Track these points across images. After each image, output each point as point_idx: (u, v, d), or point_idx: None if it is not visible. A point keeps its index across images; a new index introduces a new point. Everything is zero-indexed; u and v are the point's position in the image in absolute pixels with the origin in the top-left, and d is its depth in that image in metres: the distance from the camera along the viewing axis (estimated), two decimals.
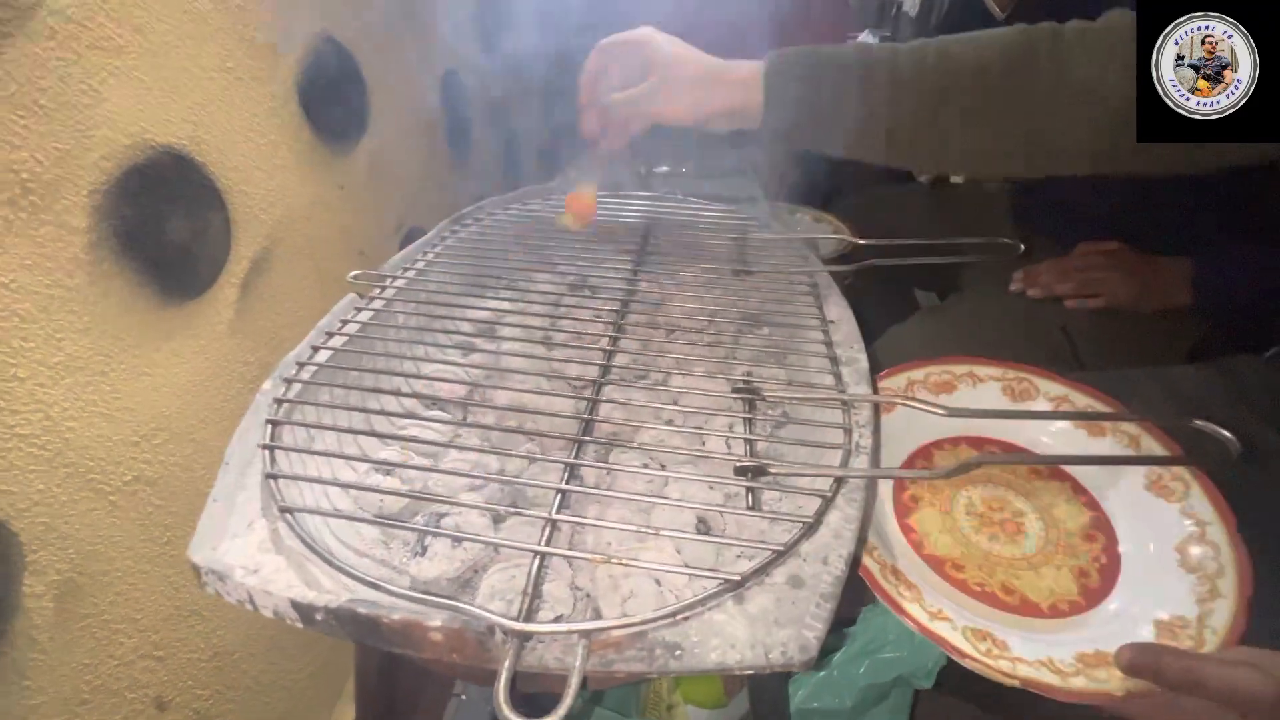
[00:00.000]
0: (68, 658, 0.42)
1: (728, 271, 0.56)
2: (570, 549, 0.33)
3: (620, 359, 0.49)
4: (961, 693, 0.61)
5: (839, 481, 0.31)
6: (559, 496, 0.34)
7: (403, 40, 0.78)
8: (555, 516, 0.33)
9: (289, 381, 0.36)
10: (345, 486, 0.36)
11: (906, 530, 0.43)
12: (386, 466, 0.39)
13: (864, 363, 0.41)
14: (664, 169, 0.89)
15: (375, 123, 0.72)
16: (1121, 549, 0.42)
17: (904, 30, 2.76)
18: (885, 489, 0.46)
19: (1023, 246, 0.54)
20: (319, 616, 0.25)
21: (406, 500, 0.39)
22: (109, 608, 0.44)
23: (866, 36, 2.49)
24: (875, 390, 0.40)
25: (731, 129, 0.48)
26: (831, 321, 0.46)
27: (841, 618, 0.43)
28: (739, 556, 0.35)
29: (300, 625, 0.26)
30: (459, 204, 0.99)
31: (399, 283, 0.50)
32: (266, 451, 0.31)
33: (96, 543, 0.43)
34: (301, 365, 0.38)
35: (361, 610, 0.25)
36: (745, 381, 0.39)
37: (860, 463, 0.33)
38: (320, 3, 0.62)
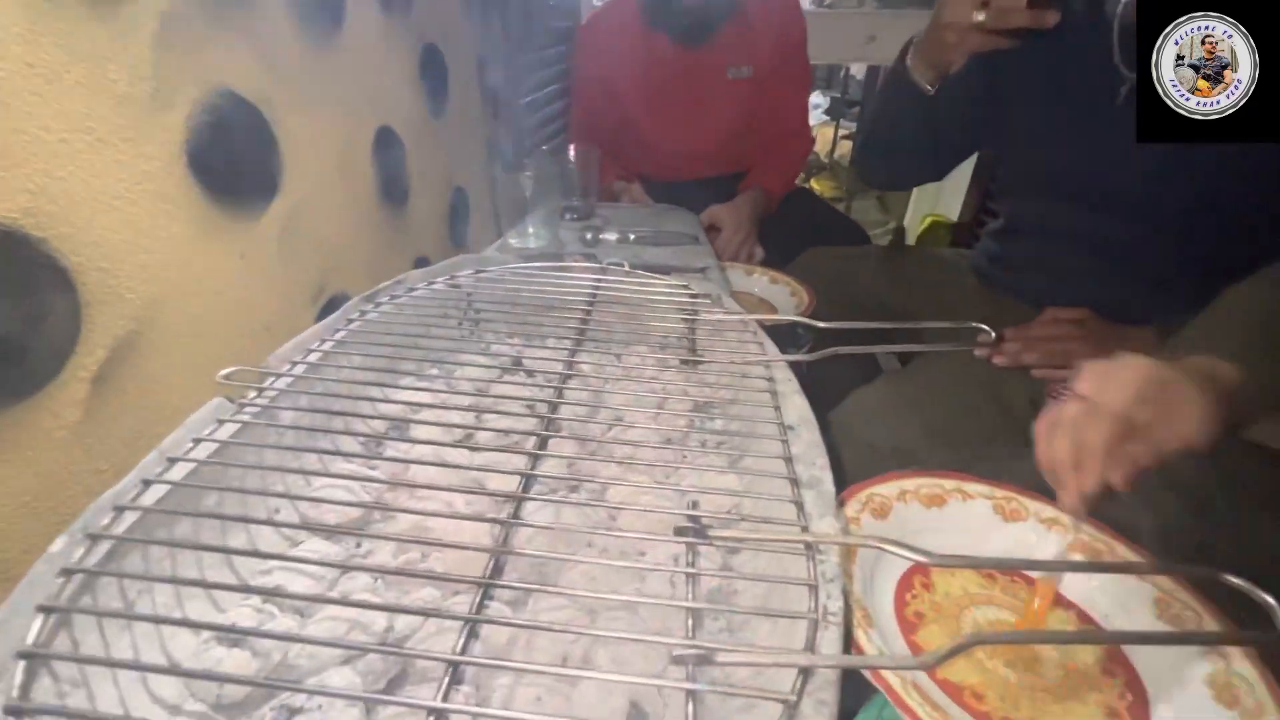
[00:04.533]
0: None
1: (675, 360, 0.50)
2: None
3: (550, 463, 0.42)
4: None
5: (804, 673, 0.24)
6: (449, 674, 0.26)
7: (324, 94, 0.71)
8: (441, 706, 0.25)
9: (95, 537, 0.28)
10: (161, 672, 0.27)
11: (914, 649, 0.37)
12: (232, 635, 0.30)
13: (829, 484, 0.35)
14: (612, 236, 0.84)
15: (289, 183, 0.65)
16: (1148, 687, 0.37)
17: (851, 90, 2.88)
18: (887, 597, 0.39)
19: (994, 335, 0.50)
20: None
21: (250, 686, 0.30)
22: None
23: (817, 97, 2.59)
24: (843, 521, 0.33)
25: None
26: (791, 428, 0.40)
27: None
28: None
29: None
30: (394, 265, 0.93)
31: (284, 380, 0.42)
32: (21, 662, 0.22)
33: None
34: (121, 509, 0.29)
35: None
36: (690, 518, 0.32)
37: (830, 640, 0.26)
38: (219, 56, 0.55)
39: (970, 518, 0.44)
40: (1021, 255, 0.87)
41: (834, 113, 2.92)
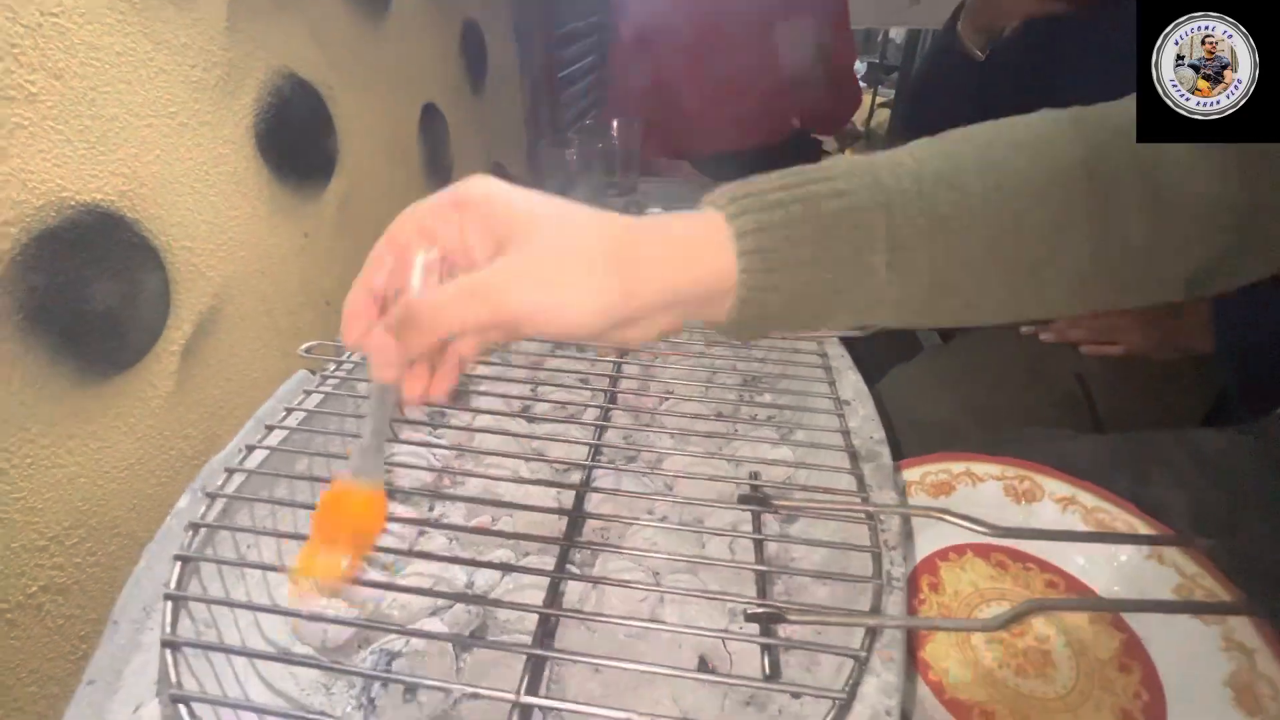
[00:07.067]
0: None
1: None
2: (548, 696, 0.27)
3: (610, 434, 0.44)
4: None
5: (871, 633, 0.26)
6: (539, 624, 0.29)
7: (375, 73, 0.73)
8: (537, 652, 0.27)
9: (212, 496, 0.31)
10: (274, 612, 0.30)
11: (921, 668, 0.36)
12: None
13: (887, 458, 0.36)
14: (657, 210, 0.85)
15: (345, 162, 0.67)
16: (1165, 684, 0.36)
17: (890, 56, 2.77)
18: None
19: None
20: None
21: (352, 630, 0.33)
22: None
23: (856, 64, 2.52)
24: (902, 491, 0.34)
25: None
26: (847, 403, 0.41)
27: None
28: (748, 703, 0.29)
29: None
30: None
31: (359, 353, 0.44)
32: (169, 603, 0.25)
33: None
34: (231, 471, 0.32)
35: None
36: (752, 486, 0.33)
37: (895, 602, 0.27)
38: (281, 39, 0.57)
39: (978, 503, 0.43)
40: None
41: (871, 79, 2.81)
